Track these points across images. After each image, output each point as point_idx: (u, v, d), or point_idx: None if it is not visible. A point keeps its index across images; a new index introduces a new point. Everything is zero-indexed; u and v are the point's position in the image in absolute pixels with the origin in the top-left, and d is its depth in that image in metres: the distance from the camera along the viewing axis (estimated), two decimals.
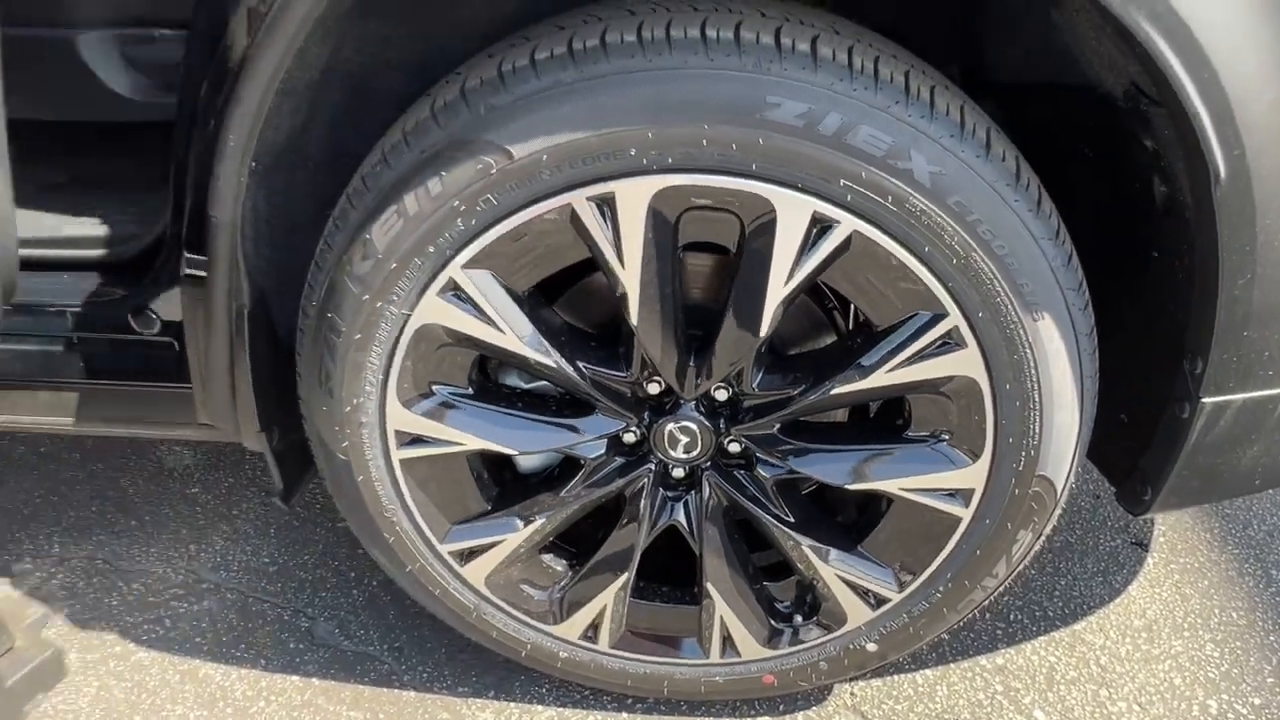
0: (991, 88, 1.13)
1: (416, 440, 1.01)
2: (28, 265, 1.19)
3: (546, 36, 0.85)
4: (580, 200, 0.85)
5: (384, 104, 1.07)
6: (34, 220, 1.25)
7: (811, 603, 1.11)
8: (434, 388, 0.99)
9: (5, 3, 1.18)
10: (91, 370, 1.18)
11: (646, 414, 1.03)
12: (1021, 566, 1.04)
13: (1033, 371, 0.90)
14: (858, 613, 1.08)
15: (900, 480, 1.00)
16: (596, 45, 0.81)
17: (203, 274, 1.02)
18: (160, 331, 1.15)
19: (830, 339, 1.04)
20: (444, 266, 0.90)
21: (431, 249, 0.89)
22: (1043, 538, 1.03)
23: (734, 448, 1.05)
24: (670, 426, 1.02)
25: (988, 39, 1.12)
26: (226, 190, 0.93)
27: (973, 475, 0.97)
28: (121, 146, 1.35)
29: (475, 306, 0.92)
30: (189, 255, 1.02)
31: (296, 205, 1.05)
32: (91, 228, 1.20)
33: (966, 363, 0.90)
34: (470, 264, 0.89)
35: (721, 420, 1.03)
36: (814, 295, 1.02)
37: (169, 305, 1.12)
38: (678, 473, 1.07)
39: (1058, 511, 1.01)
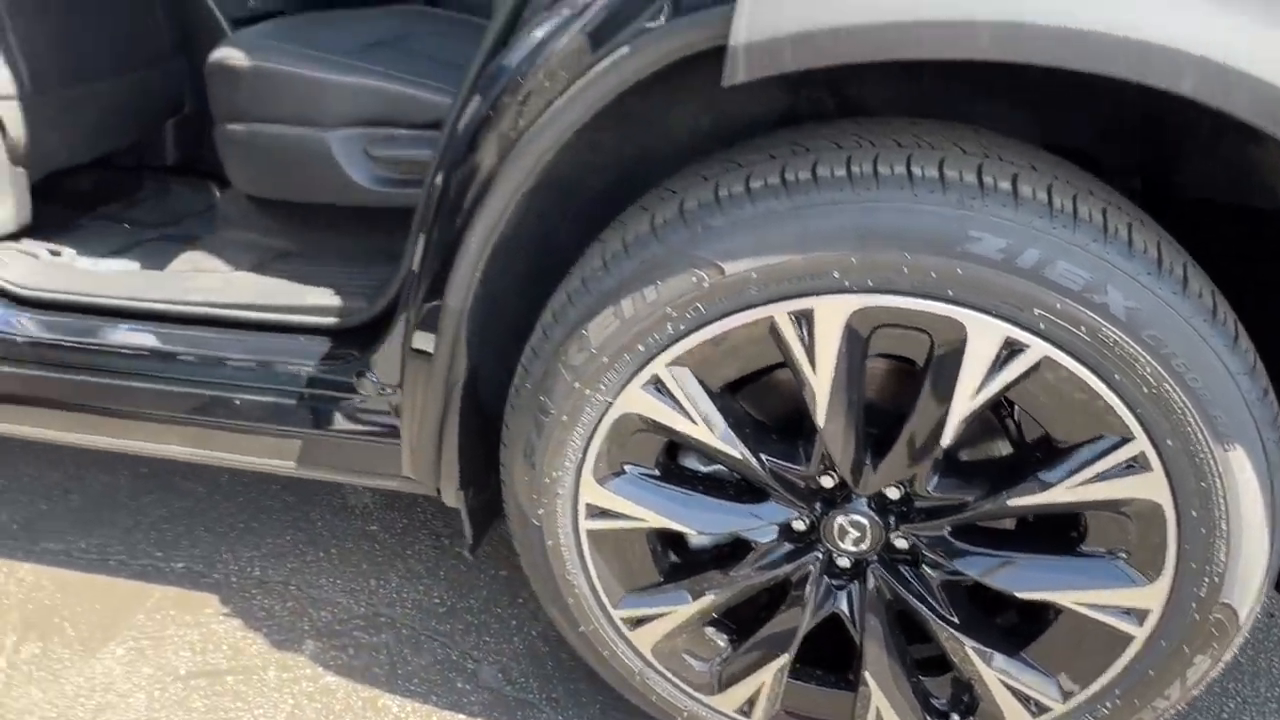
0: (1176, 203, 1.15)
1: (604, 513, 1.10)
2: (268, 326, 1.38)
3: (760, 165, 0.94)
4: (781, 313, 0.93)
5: (588, 200, 1.19)
6: (273, 286, 1.44)
7: (969, 703, 1.13)
8: (625, 467, 1.09)
9: (272, 106, 1.39)
10: (314, 421, 1.34)
11: (818, 505, 1.09)
12: (1196, 691, 1.03)
13: (1221, 500, 0.90)
14: (1017, 719, 1.09)
15: (1072, 593, 1.01)
16: (808, 178, 0.90)
17: (429, 350, 1.15)
18: (377, 391, 1.30)
19: (1010, 449, 1.07)
20: (649, 362, 0.99)
21: (641, 347, 0.98)
22: (1221, 664, 1.01)
23: (902, 544, 1.09)
24: (840, 519, 1.07)
25: (1176, 160, 1.14)
26: (462, 282, 1.06)
27: (1150, 595, 0.98)
28: (346, 223, 1.53)
29: (674, 400, 1.01)
30: (419, 333, 1.16)
31: (508, 290, 1.18)
32: (325, 297, 1.37)
33: (1151, 487, 0.92)
34: (673, 362, 0.99)
35: (892, 517, 1.07)
36: (995, 406, 1.05)
37: (387, 370, 1.27)
38: (844, 562, 1.12)
39: (1239, 639, 0.99)
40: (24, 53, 1.53)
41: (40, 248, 1.64)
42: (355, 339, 1.32)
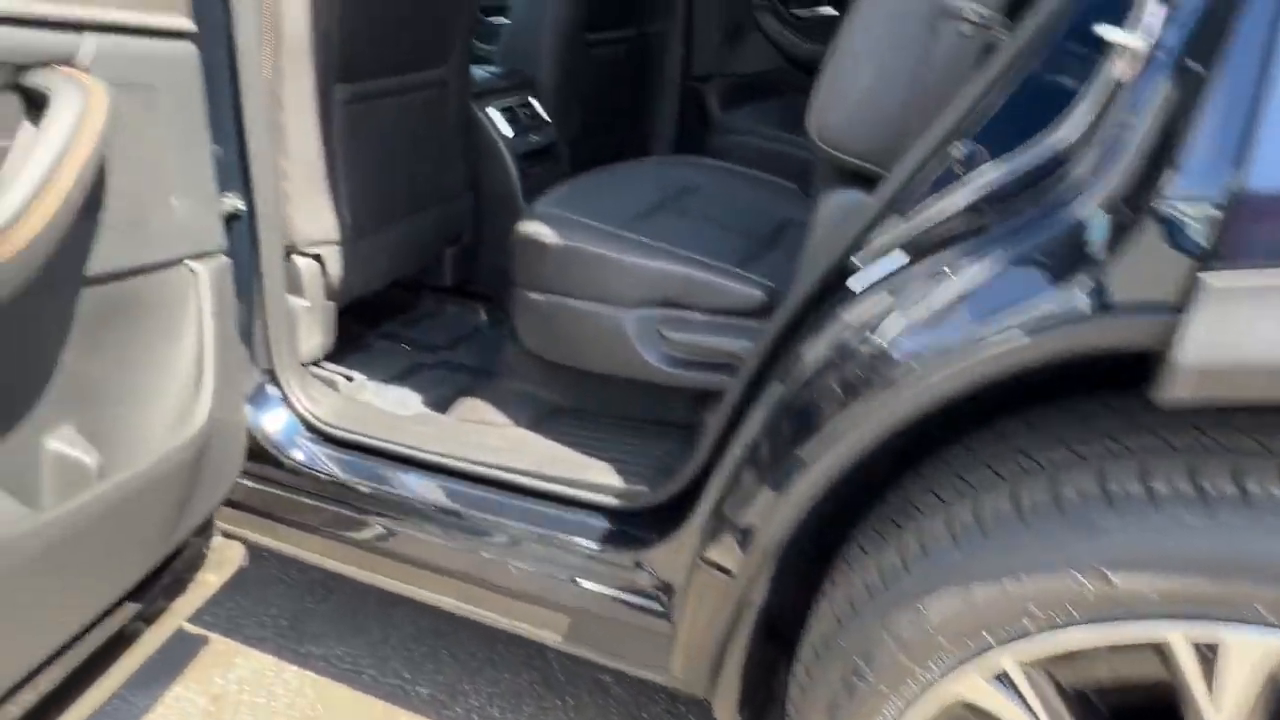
0: None
1: None
2: (547, 496, 1.39)
3: (1159, 460, 0.82)
4: (1177, 636, 0.80)
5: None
6: (553, 453, 1.45)
7: None
8: None
9: (573, 282, 1.42)
10: (584, 601, 1.32)
11: None
12: None
13: None
14: None
15: None
16: (1234, 492, 0.77)
17: (727, 567, 1.10)
18: (653, 584, 1.26)
19: None
20: (994, 652, 0.88)
21: (988, 637, 0.88)
22: None
23: None
24: None
25: None
26: (786, 518, 1.00)
27: None
28: (625, 389, 1.52)
29: (1020, 697, 0.89)
30: (716, 546, 1.11)
31: (812, 531, 1.11)
32: (605, 473, 1.36)
33: None
34: (1028, 661, 0.87)
35: None
36: None
37: (669, 567, 1.23)
38: None
39: None
40: (349, 202, 1.67)
41: (337, 374, 1.77)
42: (635, 523, 1.30)
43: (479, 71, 2.08)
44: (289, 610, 1.92)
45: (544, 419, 1.55)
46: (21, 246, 0.87)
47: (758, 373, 1.11)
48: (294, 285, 1.63)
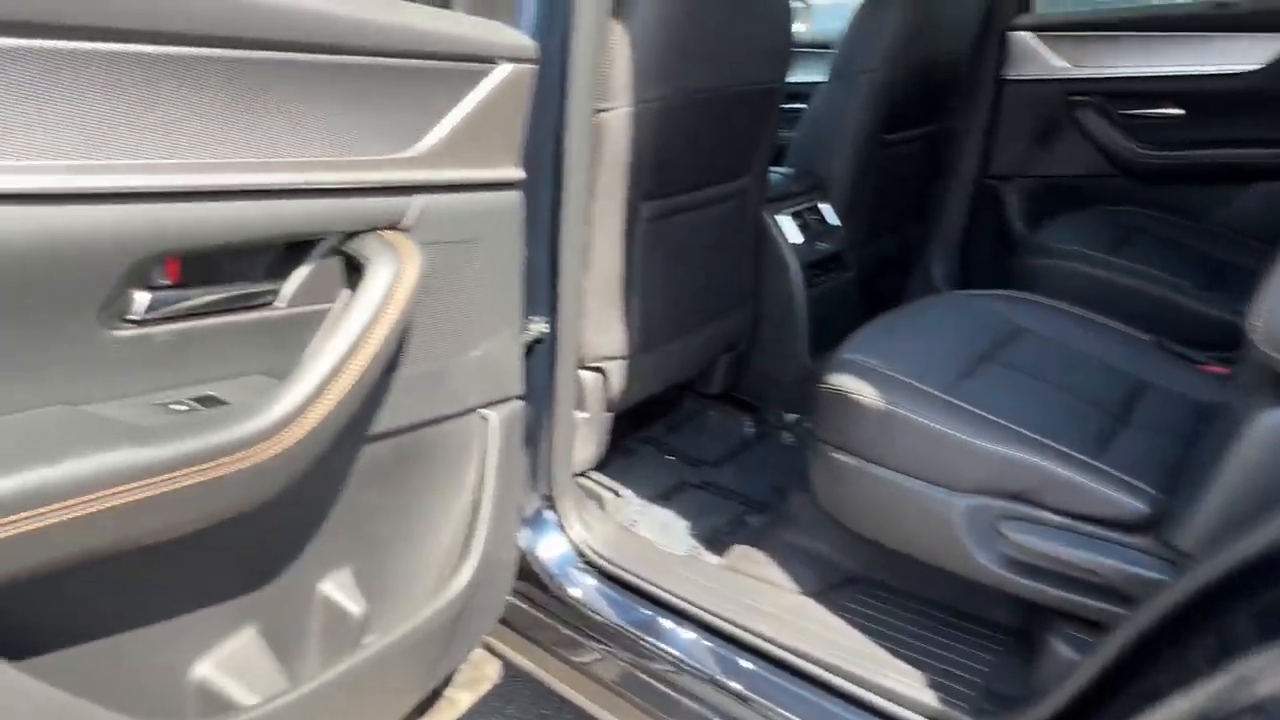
0: None
1: None
2: (840, 694, 1.21)
3: None
4: None
5: None
6: (849, 642, 1.27)
7: None
8: None
9: (893, 451, 1.24)
10: None
11: None
12: None
13: None
14: None
15: None
16: None
17: None
18: None
19: None
20: None
21: None
22: None
23: None
24: None
25: None
26: None
27: None
28: (937, 574, 1.31)
29: None
30: None
31: None
32: (918, 686, 1.16)
33: None
34: None
35: None
36: None
37: None
38: None
39: None
40: (642, 317, 1.61)
41: (604, 487, 1.71)
42: None
43: (771, 173, 1.98)
44: (533, 715, 1.88)
45: (833, 589, 1.38)
46: (313, 425, 0.84)
47: (1158, 630, 0.88)
48: (577, 399, 1.58)
